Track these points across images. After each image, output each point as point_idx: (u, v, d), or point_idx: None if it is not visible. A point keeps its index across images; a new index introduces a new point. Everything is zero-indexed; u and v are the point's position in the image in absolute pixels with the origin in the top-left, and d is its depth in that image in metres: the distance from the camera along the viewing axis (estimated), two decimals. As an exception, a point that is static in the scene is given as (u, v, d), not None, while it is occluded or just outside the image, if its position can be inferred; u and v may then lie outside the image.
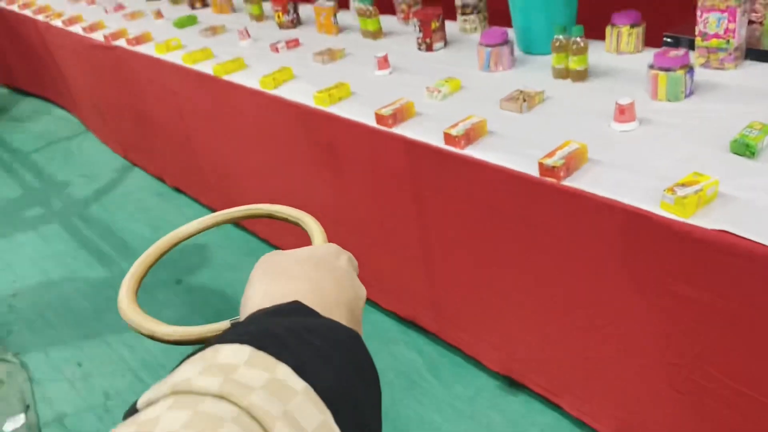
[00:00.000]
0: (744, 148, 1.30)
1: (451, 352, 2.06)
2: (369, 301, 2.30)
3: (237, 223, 2.89)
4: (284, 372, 0.36)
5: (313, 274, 0.50)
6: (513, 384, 1.90)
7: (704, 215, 1.19)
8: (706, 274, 1.20)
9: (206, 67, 2.39)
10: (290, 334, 0.39)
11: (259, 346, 0.37)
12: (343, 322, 0.47)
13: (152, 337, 0.56)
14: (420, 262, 1.92)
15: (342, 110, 1.88)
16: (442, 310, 1.97)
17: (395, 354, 2.13)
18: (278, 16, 2.66)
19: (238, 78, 2.26)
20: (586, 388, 1.63)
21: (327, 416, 0.35)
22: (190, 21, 3.00)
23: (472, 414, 1.87)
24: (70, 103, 4.33)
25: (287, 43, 2.44)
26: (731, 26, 1.58)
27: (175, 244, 0.70)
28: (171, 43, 2.64)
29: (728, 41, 1.60)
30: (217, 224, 0.75)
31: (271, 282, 0.48)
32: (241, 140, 2.45)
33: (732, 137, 1.32)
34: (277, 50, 2.42)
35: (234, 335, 0.38)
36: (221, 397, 0.33)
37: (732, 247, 1.13)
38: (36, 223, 3.35)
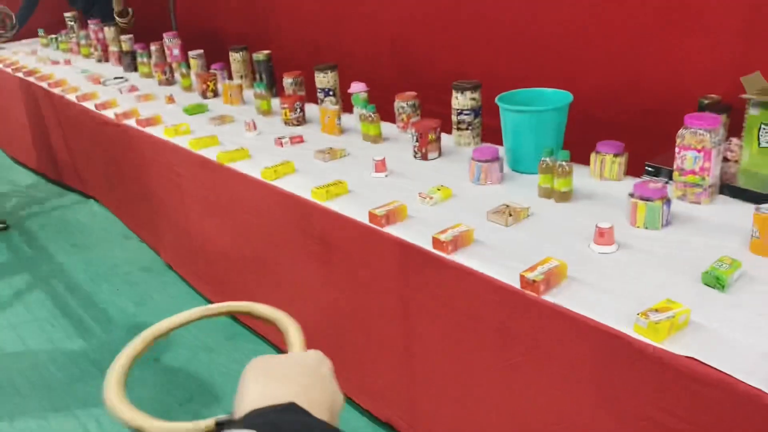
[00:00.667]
0: (714, 281, 1.37)
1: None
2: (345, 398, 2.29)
3: None
4: None
5: (302, 379, 0.59)
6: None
7: (675, 341, 1.24)
8: (675, 399, 1.24)
9: (211, 153, 2.50)
10: (294, 429, 0.47)
11: None
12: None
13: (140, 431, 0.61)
14: (400, 362, 1.94)
15: (338, 206, 1.97)
16: (419, 414, 1.97)
17: (366, 455, 2.10)
18: (285, 113, 2.80)
19: (240, 166, 2.36)
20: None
21: None
22: (200, 109, 3.14)
23: None
24: (72, 175, 4.41)
25: (291, 138, 2.56)
26: (706, 165, 1.70)
27: (158, 337, 0.75)
28: (180, 128, 2.77)
29: (703, 178, 1.72)
30: (200, 319, 0.80)
31: (266, 384, 0.56)
32: (237, 227, 2.52)
33: (704, 269, 1.40)
34: (281, 144, 2.54)
35: (251, 424, 0.46)
36: None
37: (701, 375, 1.18)
38: (21, 289, 3.34)
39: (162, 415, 0.61)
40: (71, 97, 3.67)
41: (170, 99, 3.34)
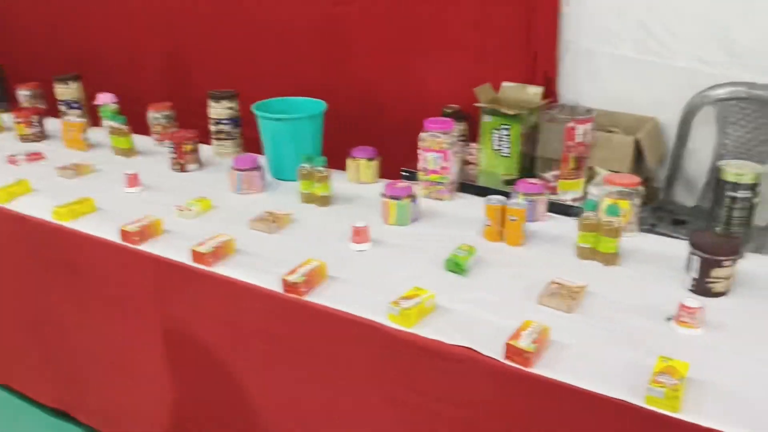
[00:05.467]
0: (455, 266, 1.51)
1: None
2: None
3: None
4: None
5: None
6: None
7: (425, 325, 1.33)
8: (427, 379, 1.33)
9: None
10: None
11: None
12: None
13: None
14: (166, 387, 1.83)
15: (84, 226, 1.80)
16: (190, 437, 1.88)
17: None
18: (20, 129, 2.50)
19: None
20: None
21: None
22: None
23: None
24: None
25: (28, 156, 2.29)
26: (446, 164, 1.87)
27: None
28: None
29: (444, 177, 1.88)
30: None
31: None
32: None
33: (446, 257, 1.53)
34: (15, 162, 2.26)
35: None
36: None
37: (447, 353, 1.28)
38: None
39: None
40: None
41: None
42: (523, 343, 1.20)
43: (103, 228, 1.78)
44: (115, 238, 1.73)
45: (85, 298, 1.89)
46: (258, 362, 1.59)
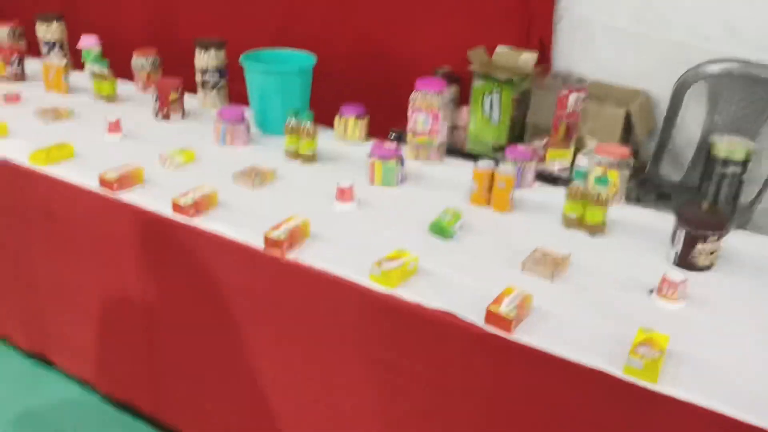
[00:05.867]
0: (440, 230, 1.49)
1: (173, 435, 1.94)
2: (83, 382, 2.09)
3: None
4: None
5: None
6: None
7: (407, 286, 1.32)
8: (406, 341, 1.32)
9: None
10: None
11: None
12: None
13: None
14: (140, 338, 1.81)
15: (62, 172, 1.75)
16: (162, 390, 1.86)
17: (110, 441, 1.94)
18: (-1, 67, 2.42)
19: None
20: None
21: None
22: None
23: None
24: None
25: (6, 97, 2.22)
26: (435, 126, 1.84)
27: None
28: None
29: (433, 139, 1.85)
30: None
31: None
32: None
33: (431, 220, 1.51)
34: (-9, 103, 2.19)
35: None
36: None
37: (430, 317, 1.27)
38: None
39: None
40: None
41: None
42: (504, 309, 1.19)
43: (82, 174, 1.73)
44: (93, 185, 1.69)
45: (61, 245, 1.85)
46: (237, 318, 1.58)
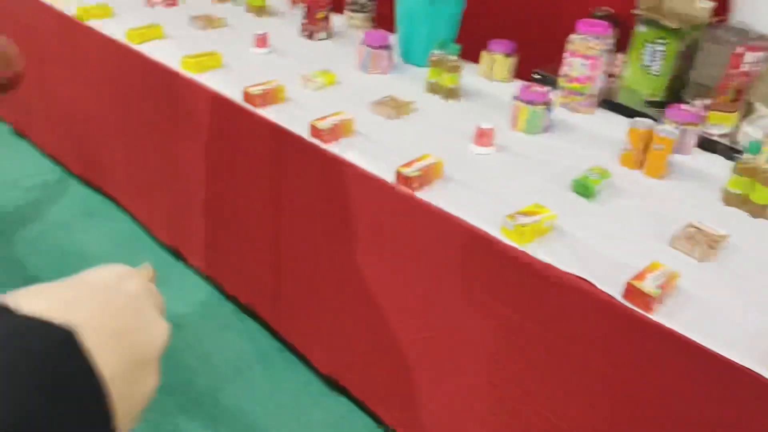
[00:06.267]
0: (584, 189, 1.38)
1: (284, 346, 2.02)
2: (210, 280, 2.21)
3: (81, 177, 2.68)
4: None
5: (90, 304, 0.37)
6: (338, 385, 1.89)
7: (539, 245, 1.24)
8: (531, 302, 1.26)
9: (71, 8, 2.19)
10: None
11: None
12: (108, 358, 0.35)
13: None
14: (267, 249, 1.87)
15: (209, 80, 1.79)
16: (281, 302, 1.93)
17: (227, 340, 2.06)
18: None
19: (102, 25, 2.08)
20: (406, 399, 1.65)
21: None
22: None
23: (293, 410, 1.84)
24: None
25: (166, 1, 2.28)
26: (592, 73, 1.69)
27: None
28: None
29: (586, 87, 1.71)
30: None
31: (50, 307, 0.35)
32: (97, 92, 2.26)
33: (575, 177, 1.41)
34: (152, 5, 2.26)
35: None
36: None
37: (558, 279, 1.19)
38: None
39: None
40: None
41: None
42: (648, 285, 1.09)
43: (227, 85, 1.76)
44: (237, 97, 1.71)
45: (201, 150, 1.92)
46: (360, 247, 1.57)
